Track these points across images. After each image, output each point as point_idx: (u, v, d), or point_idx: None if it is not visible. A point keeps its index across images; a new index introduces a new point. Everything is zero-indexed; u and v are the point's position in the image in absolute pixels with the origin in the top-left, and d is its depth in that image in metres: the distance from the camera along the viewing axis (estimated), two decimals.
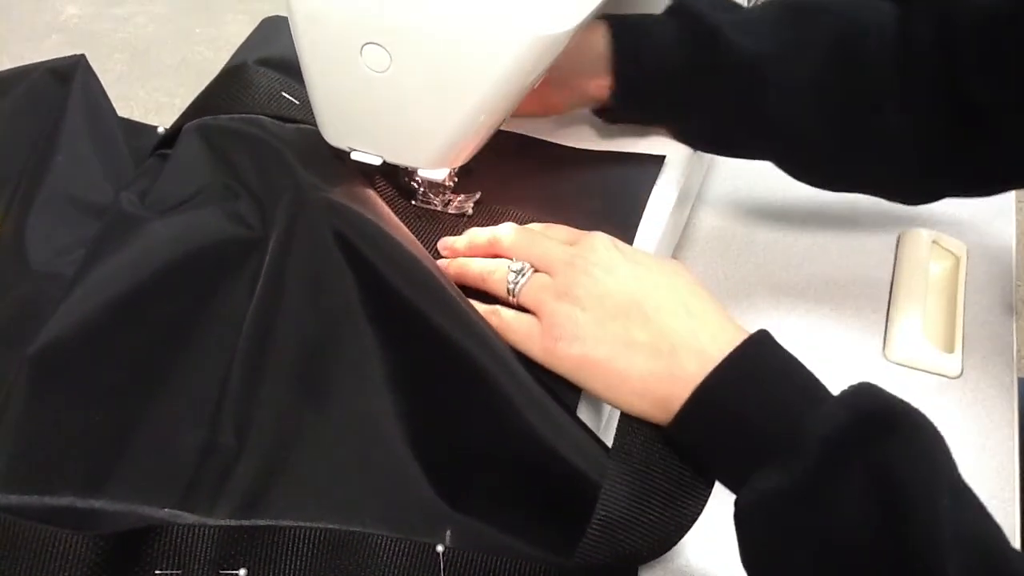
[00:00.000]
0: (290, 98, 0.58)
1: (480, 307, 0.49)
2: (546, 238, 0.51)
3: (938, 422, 0.57)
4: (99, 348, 0.49)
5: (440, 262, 0.53)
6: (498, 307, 0.49)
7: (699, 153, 0.65)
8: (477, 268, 0.51)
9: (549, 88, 0.59)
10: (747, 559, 0.42)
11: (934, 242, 0.68)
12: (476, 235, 0.53)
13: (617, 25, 0.59)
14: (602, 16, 0.60)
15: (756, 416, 0.41)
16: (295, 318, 0.50)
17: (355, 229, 0.50)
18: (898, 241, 0.69)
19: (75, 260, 0.54)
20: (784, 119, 0.57)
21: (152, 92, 0.85)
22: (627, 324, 0.45)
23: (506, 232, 0.52)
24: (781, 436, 0.40)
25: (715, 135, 0.62)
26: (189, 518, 0.45)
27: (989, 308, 0.65)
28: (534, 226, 0.54)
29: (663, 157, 0.61)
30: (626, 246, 0.50)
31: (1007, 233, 0.70)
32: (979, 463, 0.56)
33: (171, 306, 0.51)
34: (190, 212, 0.55)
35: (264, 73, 0.61)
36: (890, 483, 0.37)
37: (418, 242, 0.54)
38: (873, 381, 0.59)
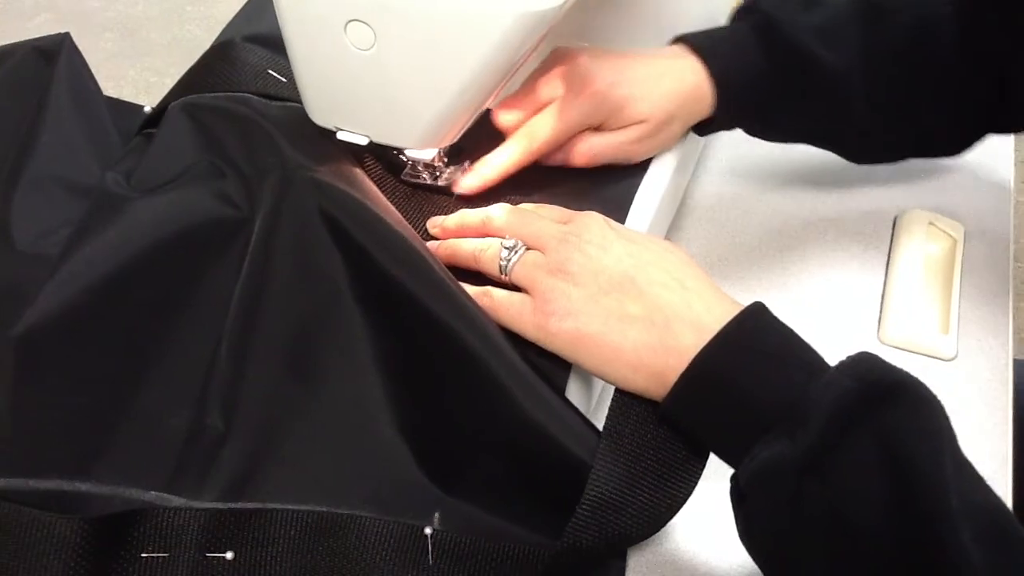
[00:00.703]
0: (276, 76, 0.58)
1: (471, 289, 0.49)
2: (539, 217, 0.50)
3: None
4: (85, 330, 0.49)
5: (431, 243, 0.52)
6: (489, 288, 0.49)
7: (691, 142, 0.64)
8: (469, 247, 0.50)
9: (668, 129, 0.59)
10: (748, 532, 0.42)
11: (931, 223, 0.67)
12: (468, 215, 0.53)
13: (711, 59, 0.58)
14: (682, 40, 0.60)
15: (755, 387, 0.41)
16: (282, 299, 0.49)
17: (343, 209, 0.50)
18: (895, 222, 0.68)
19: (60, 241, 0.53)
20: (865, 124, 0.60)
21: (142, 71, 0.84)
22: (621, 298, 0.45)
23: (499, 211, 0.51)
24: (782, 406, 0.40)
25: (797, 137, 0.64)
26: (176, 501, 0.45)
27: (985, 290, 0.64)
28: (526, 206, 0.53)
29: None
30: (620, 226, 0.49)
31: (1005, 214, 0.70)
32: (973, 445, 0.55)
33: (157, 287, 0.51)
34: (176, 191, 0.54)
35: (251, 50, 0.60)
36: (897, 452, 0.37)
37: (407, 222, 0.53)
38: None
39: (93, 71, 0.64)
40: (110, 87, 0.69)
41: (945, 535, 0.36)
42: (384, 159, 0.58)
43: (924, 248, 0.65)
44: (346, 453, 0.47)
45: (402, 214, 0.54)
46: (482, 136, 0.58)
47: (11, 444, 0.46)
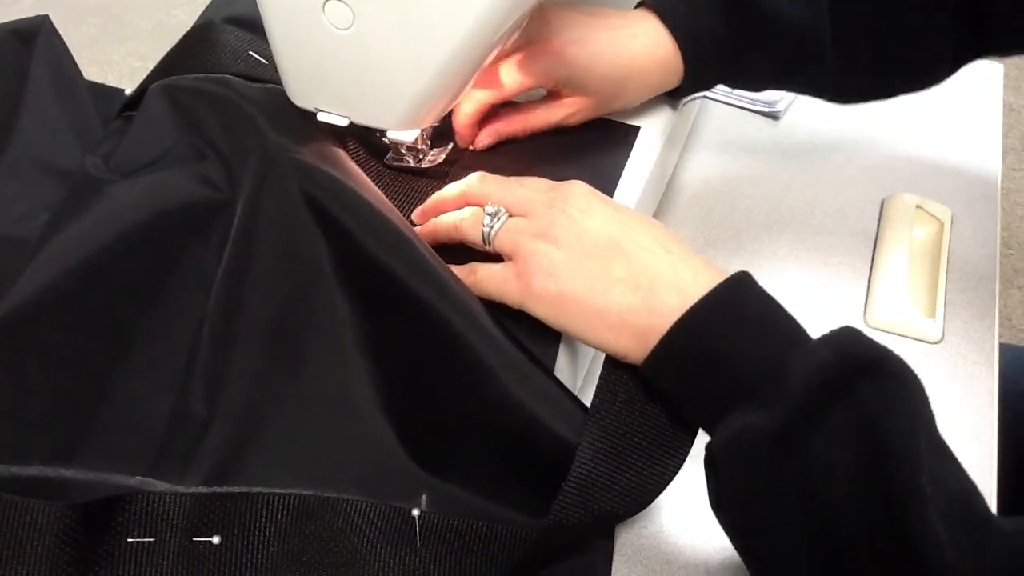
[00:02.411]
0: (257, 57, 0.57)
1: (456, 269, 0.49)
2: (520, 183, 0.50)
3: None
4: (64, 314, 0.48)
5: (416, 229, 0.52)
6: (474, 263, 0.48)
7: (678, 122, 0.64)
8: (449, 219, 0.50)
9: (620, 100, 0.59)
10: (719, 501, 0.42)
11: (918, 207, 0.67)
12: (443, 192, 0.52)
13: (676, 30, 0.58)
14: (644, 5, 0.59)
15: (735, 353, 0.41)
16: (265, 282, 0.49)
17: (325, 190, 0.49)
18: (882, 205, 0.68)
19: (40, 225, 0.53)
20: (839, 68, 0.59)
21: (126, 56, 0.84)
22: (605, 261, 0.44)
23: (478, 180, 0.51)
24: (761, 375, 0.40)
25: (770, 83, 0.63)
26: (161, 486, 0.44)
27: (972, 274, 0.64)
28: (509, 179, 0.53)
29: (638, 128, 0.60)
30: (604, 196, 0.49)
31: (992, 198, 0.69)
32: (959, 428, 0.55)
33: (138, 270, 0.50)
34: (156, 174, 0.54)
35: (231, 32, 0.59)
36: (872, 427, 0.37)
37: (391, 204, 0.52)
38: None
39: (77, 55, 0.63)
40: (94, 72, 0.68)
41: (914, 512, 0.35)
42: (367, 143, 0.57)
43: (911, 232, 0.65)
44: (331, 437, 0.47)
45: (386, 194, 0.54)
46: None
47: None
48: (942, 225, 0.66)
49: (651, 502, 0.44)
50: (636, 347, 0.43)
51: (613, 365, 0.46)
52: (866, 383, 0.38)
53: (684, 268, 0.44)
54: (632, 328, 0.43)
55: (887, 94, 0.64)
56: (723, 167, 0.71)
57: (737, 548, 0.43)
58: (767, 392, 0.39)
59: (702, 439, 0.44)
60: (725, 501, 0.42)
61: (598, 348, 0.45)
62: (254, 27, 0.60)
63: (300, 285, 0.49)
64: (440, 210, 0.52)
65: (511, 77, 0.56)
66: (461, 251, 0.50)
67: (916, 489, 0.36)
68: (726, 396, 0.41)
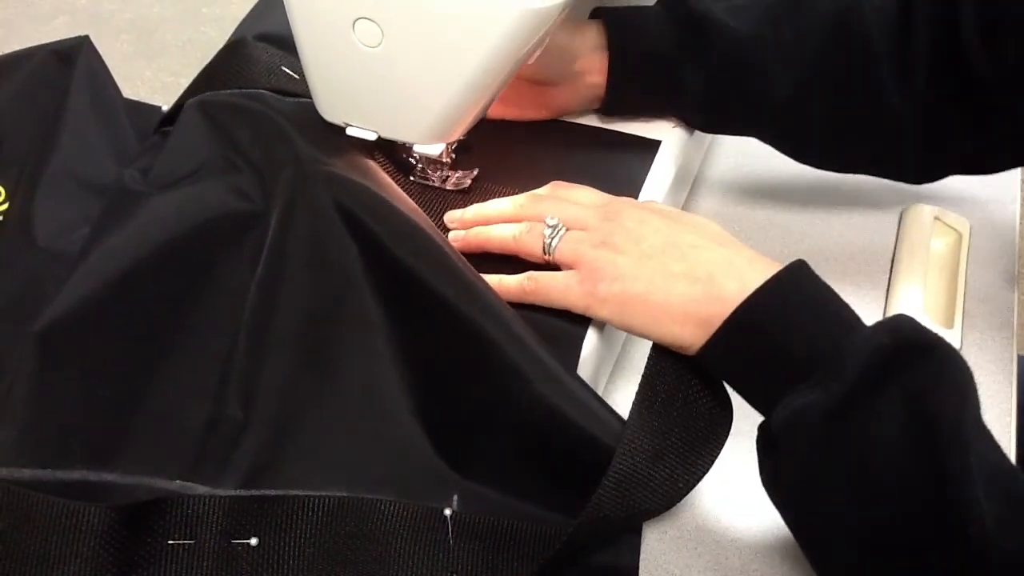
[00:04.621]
0: (289, 72, 0.59)
1: (513, 278, 0.50)
2: (575, 201, 0.52)
3: None
4: (104, 324, 0.50)
5: (453, 234, 0.53)
6: (532, 272, 0.50)
7: (697, 136, 0.65)
8: (507, 231, 0.52)
9: (552, 88, 0.61)
10: (774, 480, 0.44)
11: (936, 218, 0.67)
12: (490, 207, 0.54)
13: (609, 16, 0.60)
14: (595, 11, 0.61)
15: (794, 337, 0.43)
16: (298, 290, 0.50)
17: (357, 200, 0.51)
18: (900, 217, 0.69)
19: (80, 238, 0.54)
20: (778, 100, 0.58)
21: (158, 72, 0.86)
22: (663, 259, 0.47)
23: (531, 198, 0.53)
24: (819, 357, 0.42)
25: (708, 117, 0.62)
26: (200, 489, 0.46)
27: (990, 284, 0.65)
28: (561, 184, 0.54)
29: (659, 142, 0.61)
30: (653, 203, 0.51)
31: (1010, 210, 0.70)
32: None
33: (175, 280, 0.52)
34: (192, 187, 0.55)
35: (263, 48, 0.61)
36: (924, 406, 0.39)
37: (422, 211, 0.54)
38: None
39: (110, 72, 0.65)
40: (127, 87, 0.70)
41: (961, 490, 0.37)
42: (394, 161, 0.59)
43: (929, 243, 0.66)
44: (364, 439, 0.48)
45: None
46: (490, 134, 0.58)
47: (36, 436, 0.47)
48: (960, 236, 0.67)
49: (680, 500, 0.46)
50: (700, 335, 0.45)
51: (654, 368, 0.47)
52: (918, 364, 0.40)
53: (739, 259, 0.46)
54: (695, 318, 0.45)
55: (842, 162, 0.62)
56: (741, 179, 0.72)
57: (791, 526, 0.44)
58: (824, 372, 0.41)
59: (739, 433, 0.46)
60: (782, 480, 0.44)
61: (664, 342, 0.47)
62: (284, 44, 0.62)
63: (333, 292, 0.50)
64: (482, 221, 0.53)
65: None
66: (492, 259, 0.52)
67: (962, 467, 0.37)
68: (784, 377, 0.43)
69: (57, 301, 0.49)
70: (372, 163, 0.56)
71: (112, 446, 0.48)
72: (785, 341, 0.43)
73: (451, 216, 0.55)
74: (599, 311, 0.48)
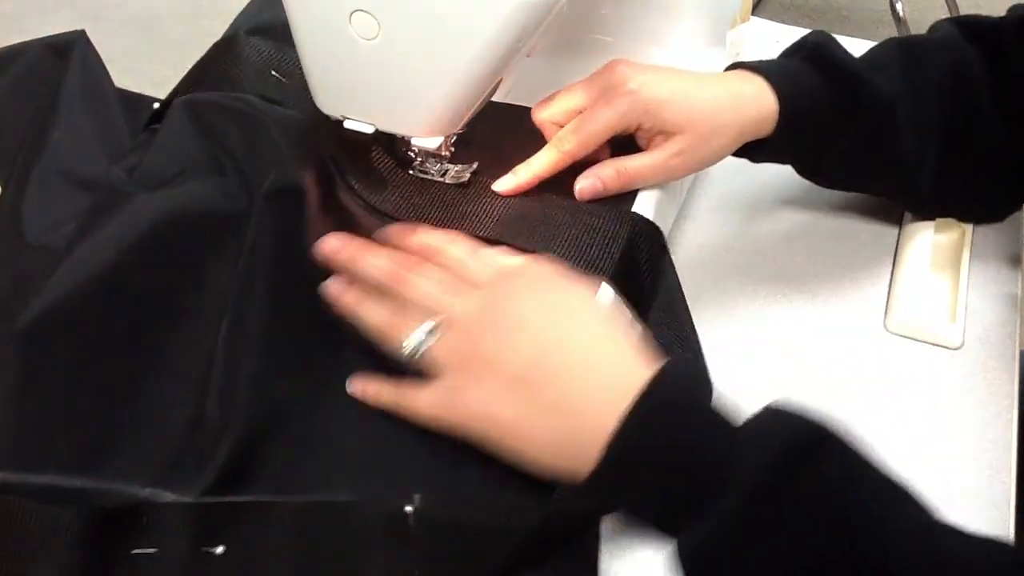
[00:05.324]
0: (278, 76, 0.58)
1: (381, 385, 0.48)
2: (456, 292, 0.48)
3: (937, 393, 0.57)
4: (85, 323, 0.50)
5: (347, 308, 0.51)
6: (400, 384, 0.48)
7: None
8: (375, 315, 0.49)
9: (717, 137, 0.57)
10: None
11: None
12: (410, 236, 0.52)
13: (769, 74, 0.58)
14: (739, 64, 0.59)
15: (673, 464, 0.41)
16: (278, 293, 0.50)
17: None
18: (904, 212, 0.68)
19: (67, 234, 0.54)
20: (913, 155, 0.60)
21: (158, 66, 0.86)
22: (531, 388, 0.44)
23: (421, 276, 0.49)
24: (705, 480, 0.40)
25: (849, 174, 0.63)
26: (168, 496, 0.45)
27: (993, 280, 0.64)
28: (462, 246, 0.52)
29: None
30: (550, 276, 0.48)
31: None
32: (978, 434, 0.55)
33: (158, 280, 0.52)
34: (177, 187, 0.55)
35: (255, 47, 0.61)
36: (831, 506, 0.38)
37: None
38: (874, 351, 0.59)
39: (111, 65, 0.65)
40: (128, 81, 0.70)
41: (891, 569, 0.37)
42: (393, 154, 0.59)
43: (933, 237, 0.65)
44: (338, 441, 0.48)
45: (409, 203, 0.56)
46: (489, 129, 0.58)
47: (14, 436, 0.47)
48: (964, 231, 0.66)
49: None
50: (578, 467, 0.42)
51: None
52: (809, 465, 0.39)
53: (611, 376, 0.43)
54: (569, 452, 0.43)
55: (948, 207, 0.65)
56: (745, 173, 0.71)
57: None
58: (713, 497, 0.39)
59: None
60: None
61: (538, 472, 0.45)
62: (280, 36, 0.62)
63: (307, 296, 0.51)
64: (400, 238, 0.53)
65: (590, 125, 0.55)
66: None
67: (886, 551, 0.37)
68: (673, 508, 0.41)
69: (39, 299, 0.49)
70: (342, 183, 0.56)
71: (92, 446, 0.47)
72: (665, 468, 0.41)
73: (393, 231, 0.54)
74: (468, 432, 0.45)
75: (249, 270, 0.50)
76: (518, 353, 0.45)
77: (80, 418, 0.48)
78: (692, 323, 0.54)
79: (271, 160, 0.53)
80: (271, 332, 0.49)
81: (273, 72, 0.58)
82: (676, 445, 0.41)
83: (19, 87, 0.61)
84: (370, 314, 0.49)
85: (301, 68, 0.55)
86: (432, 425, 0.46)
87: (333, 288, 0.51)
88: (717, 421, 0.42)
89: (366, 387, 0.49)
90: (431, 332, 0.47)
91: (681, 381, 0.43)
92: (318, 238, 0.50)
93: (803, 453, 0.39)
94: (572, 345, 0.45)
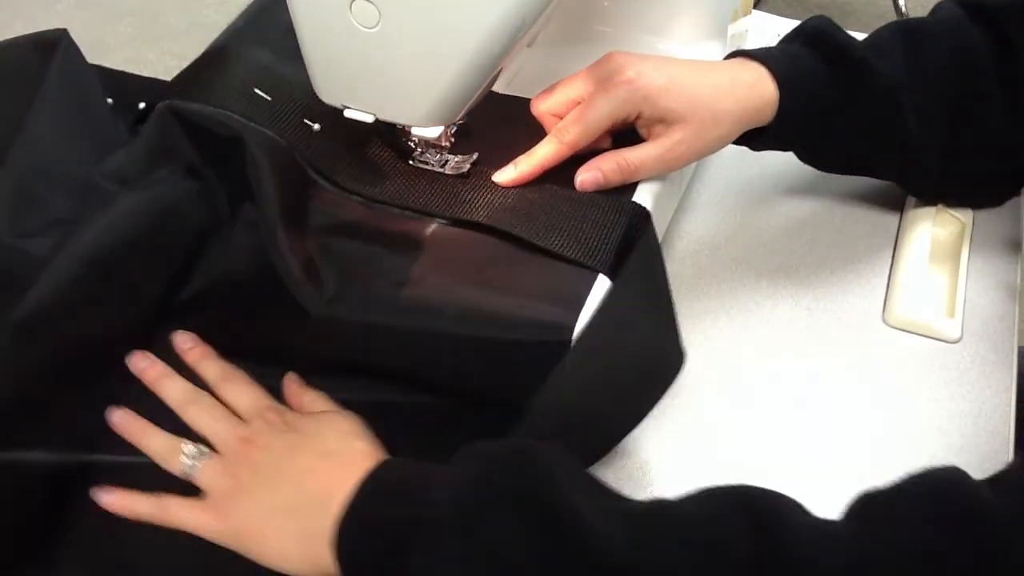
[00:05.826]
0: (262, 94, 0.58)
1: (145, 498, 0.49)
2: (221, 417, 0.51)
3: (936, 387, 0.57)
4: (69, 321, 0.51)
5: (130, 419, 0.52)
6: (165, 498, 0.49)
7: None
8: (155, 444, 0.50)
9: (718, 125, 0.57)
10: None
11: (940, 207, 0.67)
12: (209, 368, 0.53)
13: (769, 60, 0.58)
14: (739, 52, 0.59)
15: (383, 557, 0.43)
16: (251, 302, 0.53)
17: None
18: (904, 206, 0.68)
19: (40, 232, 0.54)
20: (917, 139, 0.60)
21: (161, 55, 0.85)
22: (273, 498, 0.47)
23: (197, 404, 0.52)
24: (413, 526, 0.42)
25: (849, 159, 0.64)
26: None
27: (992, 274, 0.64)
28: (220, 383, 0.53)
29: None
30: (294, 420, 0.51)
31: (1015, 201, 0.69)
32: (975, 428, 0.55)
33: (138, 280, 0.54)
34: (155, 188, 0.56)
35: (244, 60, 0.61)
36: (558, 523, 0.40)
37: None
38: (872, 345, 0.59)
39: (114, 54, 0.65)
40: (130, 69, 0.70)
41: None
42: (393, 144, 0.59)
43: (932, 231, 0.65)
44: None
45: (411, 194, 0.56)
46: (490, 119, 0.58)
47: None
48: (963, 226, 0.66)
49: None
50: (324, 567, 0.44)
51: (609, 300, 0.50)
52: (497, 525, 0.41)
53: (328, 489, 0.45)
54: (310, 554, 0.45)
55: (952, 192, 0.65)
56: (746, 167, 0.72)
57: None
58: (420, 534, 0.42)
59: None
60: None
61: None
62: (280, 38, 0.61)
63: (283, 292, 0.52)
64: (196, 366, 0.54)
65: (589, 115, 0.55)
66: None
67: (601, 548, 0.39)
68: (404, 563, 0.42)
69: (26, 298, 0.49)
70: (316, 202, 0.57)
71: (85, 438, 0.50)
72: (385, 555, 0.43)
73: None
74: (223, 542, 0.47)
75: (225, 277, 0.54)
76: (275, 478, 0.47)
77: (71, 411, 0.50)
78: (667, 280, 0.53)
79: (249, 171, 0.53)
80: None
81: (256, 90, 0.58)
82: (388, 538, 0.43)
83: (2, 86, 0.60)
84: (151, 441, 0.51)
85: (290, 81, 0.56)
86: (190, 526, 0.48)
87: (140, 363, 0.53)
88: (430, 496, 0.43)
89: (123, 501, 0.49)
90: (198, 457, 0.49)
91: (395, 465, 0.46)
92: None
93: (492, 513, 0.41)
94: (303, 462, 0.48)
